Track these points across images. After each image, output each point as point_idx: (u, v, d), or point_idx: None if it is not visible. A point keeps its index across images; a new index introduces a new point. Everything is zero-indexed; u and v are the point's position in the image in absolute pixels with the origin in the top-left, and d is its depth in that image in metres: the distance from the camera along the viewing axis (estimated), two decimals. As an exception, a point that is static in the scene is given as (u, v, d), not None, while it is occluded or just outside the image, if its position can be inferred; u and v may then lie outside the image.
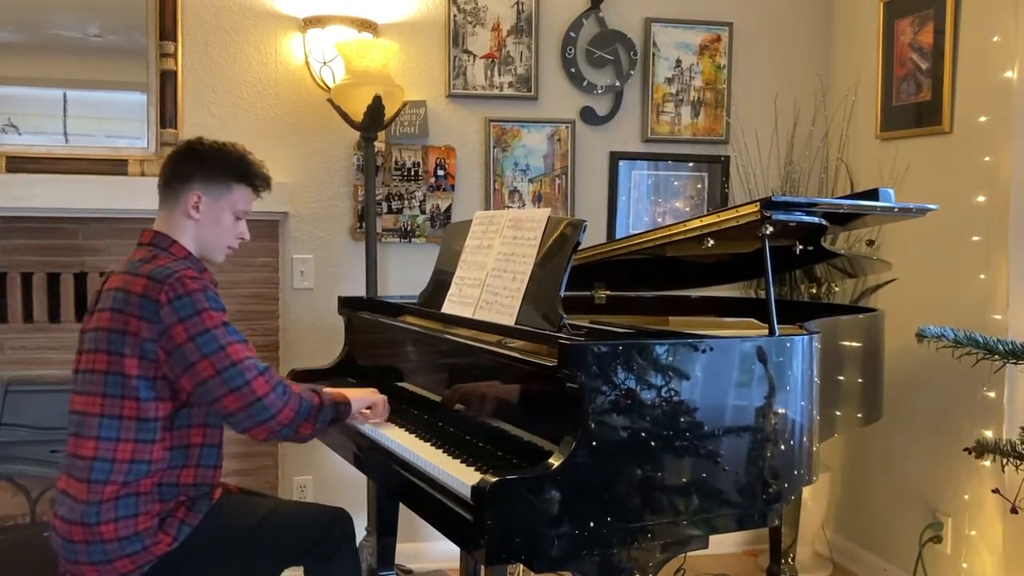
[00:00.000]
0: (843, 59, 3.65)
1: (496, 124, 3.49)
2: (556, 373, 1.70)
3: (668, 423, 1.74)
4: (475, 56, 3.45)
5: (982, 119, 2.90)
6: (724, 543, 3.62)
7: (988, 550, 2.89)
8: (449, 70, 3.43)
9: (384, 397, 2.26)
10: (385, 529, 2.81)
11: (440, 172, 3.44)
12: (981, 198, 2.90)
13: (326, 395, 2.07)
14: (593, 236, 3.29)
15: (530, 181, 3.54)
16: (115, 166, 3.12)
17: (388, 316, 2.64)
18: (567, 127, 3.54)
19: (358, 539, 2.24)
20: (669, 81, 3.62)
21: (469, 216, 2.51)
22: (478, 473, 1.78)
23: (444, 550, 3.16)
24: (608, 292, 2.88)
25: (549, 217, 2.13)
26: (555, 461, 1.65)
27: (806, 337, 1.98)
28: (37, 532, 2.56)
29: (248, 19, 3.28)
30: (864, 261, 2.94)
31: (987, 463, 2.71)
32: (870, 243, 3.32)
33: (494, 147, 3.49)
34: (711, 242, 2.13)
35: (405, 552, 3.24)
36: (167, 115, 3.17)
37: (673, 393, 1.75)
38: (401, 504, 2.64)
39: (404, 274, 3.40)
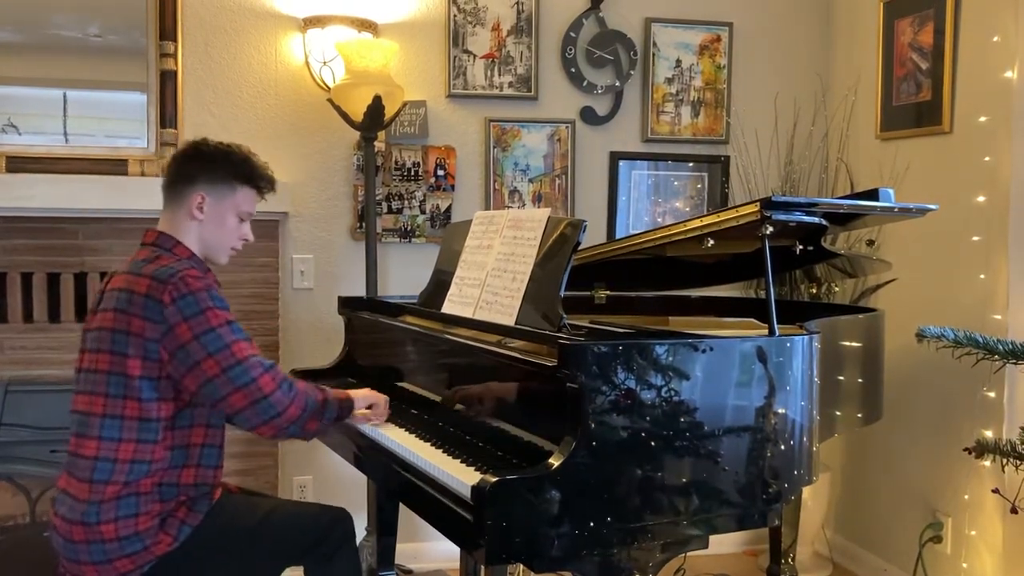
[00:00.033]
0: (843, 59, 3.65)
1: (496, 124, 3.49)
2: (556, 373, 1.70)
3: (668, 423, 1.74)
4: (475, 56, 3.45)
5: (982, 119, 2.90)
6: (724, 543, 3.62)
7: (988, 550, 2.89)
8: (449, 70, 3.43)
9: (385, 397, 2.26)
10: (385, 529, 2.81)
11: (440, 172, 3.44)
12: (981, 198, 2.90)
13: (329, 392, 2.08)
14: (593, 236, 3.29)
15: (530, 181, 3.54)
16: (115, 166, 3.12)
17: (388, 316, 2.64)
18: (567, 127, 3.54)
19: (358, 539, 2.24)
20: (669, 81, 3.62)
21: (469, 216, 2.51)
22: (478, 473, 1.78)
23: (444, 550, 3.16)
24: (608, 292, 2.88)
25: (549, 217, 2.13)
26: (555, 461, 1.65)
27: (806, 337, 1.98)
28: (37, 532, 2.57)
29: (248, 19, 3.28)
30: (864, 261, 2.94)
31: (987, 463, 2.71)
32: (870, 243, 3.32)
33: (494, 147, 3.49)
34: (711, 242, 2.13)
35: (405, 552, 3.25)
36: (167, 115, 3.16)
37: (673, 393, 1.75)
38: (401, 504, 2.64)
39: (404, 274, 3.40)
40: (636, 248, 2.37)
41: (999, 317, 2.83)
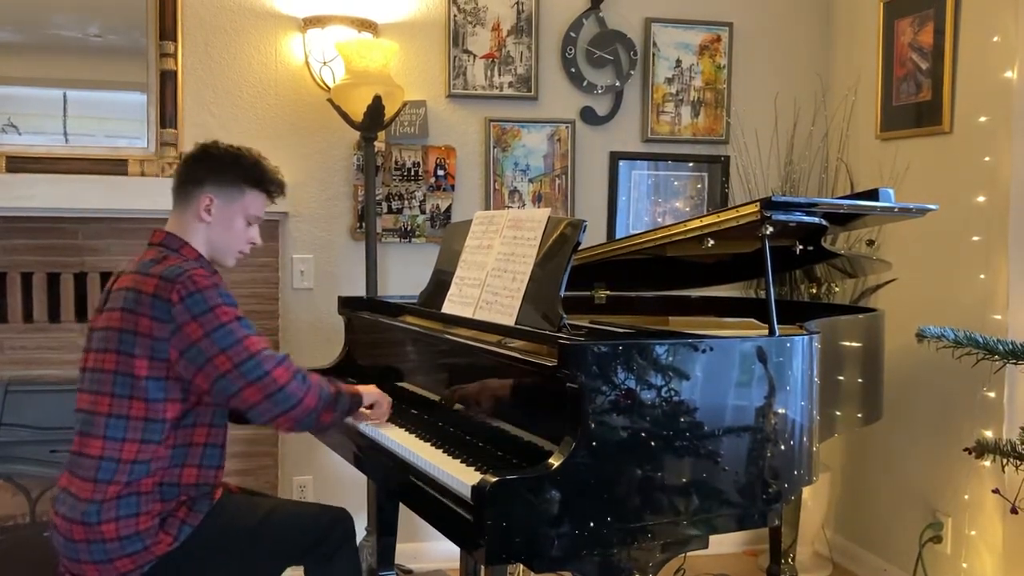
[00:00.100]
0: (843, 59, 3.65)
1: (496, 124, 3.49)
2: (556, 373, 1.70)
3: (668, 423, 1.74)
4: (475, 56, 3.45)
5: (982, 119, 2.90)
6: (724, 543, 3.62)
7: (988, 550, 2.89)
8: (449, 70, 3.43)
9: (389, 399, 2.26)
10: (385, 529, 2.81)
11: (440, 172, 3.44)
12: (981, 198, 2.90)
13: (341, 385, 2.09)
14: (593, 236, 3.28)
15: (530, 181, 3.54)
16: (115, 166, 3.12)
17: (388, 316, 2.64)
18: (567, 127, 3.54)
19: (358, 539, 2.24)
20: (669, 81, 3.62)
21: (469, 216, 2.51)
22: (478, 473, 1.78)
23: (444, 550, 3.16)
24: (608, 292, 2.88)
25: (549, 217, 2.13)
26: (555, 461, 1.65)
27: (806, 337, 1.98)
28: (37, 532, 2.57)
29: (248, 19, 3.28)
30: (864, 261, 2.94)
31: (987, 463, 2.71)
32: (870, 243, 3.32)
33: (494, 147, 3.49)
34: (711, 242, 2.13)
35: (405, 552, 3.25)
36: (167, 115, 3.17)
37: (673, 393, 1.75)
38: (401, 504, 2.64)
39: (404, 274, 3.40)
40: (636, 248, 2.37)
41: (999, 317, 2.83)
